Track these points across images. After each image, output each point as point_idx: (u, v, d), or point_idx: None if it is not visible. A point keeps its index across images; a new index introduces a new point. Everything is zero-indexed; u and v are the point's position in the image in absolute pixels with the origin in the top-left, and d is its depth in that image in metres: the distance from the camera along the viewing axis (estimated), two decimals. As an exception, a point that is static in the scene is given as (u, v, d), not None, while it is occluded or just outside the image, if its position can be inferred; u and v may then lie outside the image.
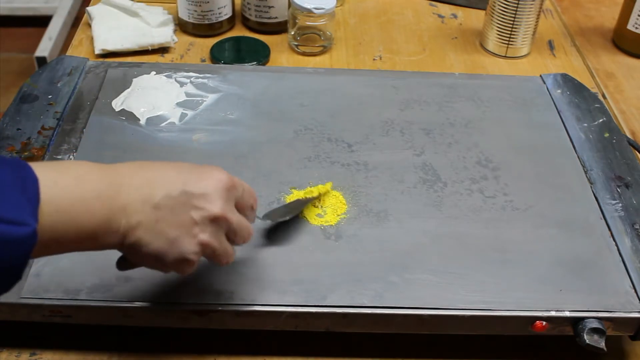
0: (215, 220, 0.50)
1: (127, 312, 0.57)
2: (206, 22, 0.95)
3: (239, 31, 0.99)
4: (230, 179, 0.51)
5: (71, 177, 0.46)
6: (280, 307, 0.57)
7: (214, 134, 0.73)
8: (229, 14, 0.97)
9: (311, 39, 0.94)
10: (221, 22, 0.96)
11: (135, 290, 0.57)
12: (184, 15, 0.95)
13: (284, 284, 0.58)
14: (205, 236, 0.49)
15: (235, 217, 0.51)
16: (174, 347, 0.60)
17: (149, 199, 0.48)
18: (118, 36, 0.91)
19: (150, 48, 0.92)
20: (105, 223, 0.47)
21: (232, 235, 0.52)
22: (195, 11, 0.94)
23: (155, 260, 0.49)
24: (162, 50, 0.94)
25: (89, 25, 0.96)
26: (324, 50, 0.94)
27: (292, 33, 0.94)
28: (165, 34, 0.93)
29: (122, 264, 0.53)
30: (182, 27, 0.97)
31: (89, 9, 0.97)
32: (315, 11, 0.90)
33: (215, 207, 0.49)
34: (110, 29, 0.93)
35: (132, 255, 0.50)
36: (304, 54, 0.94)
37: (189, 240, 0.49)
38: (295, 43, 0.94)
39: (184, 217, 0.49)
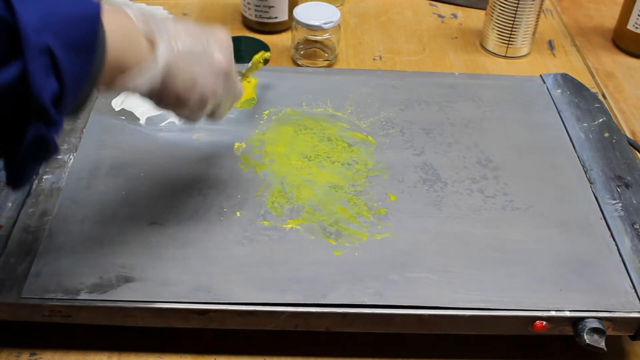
0: (225, 74, 0.58)
1: (127, 312, 0.57)
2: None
3: (238, 31, 0.99)
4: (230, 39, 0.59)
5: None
6: (280, 307, 0.57)
7: (214, 133, 0.73)
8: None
9: (315, 53, 0.93)
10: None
11: (135, 290, 0.57)
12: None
13: (284, 282, 0.58)
14: (219, 84, 0.57)
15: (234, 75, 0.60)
16: (174, 347, 0.60)
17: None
18: None
19: None
20: (146, 55, 0.51)
21: (228, 92, 0.60)
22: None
23: (178, 100, 0.55)
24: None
25: None
26: (330, 64, 0.93)
27: (295, 48, 0.93)
28: None
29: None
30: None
31: None
32: (316, 27, 0.89)
33: (226, 62, 0.57)
34: None
35: (159, 92, 0.54)
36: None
37: (206, 85, 0.56)
38: (298, 57, 0.93)
39: (202, 66, 0.56)
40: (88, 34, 0.44)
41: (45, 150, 0.46)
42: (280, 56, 0.94)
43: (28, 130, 0.43)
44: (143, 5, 0.96)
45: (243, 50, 0.94)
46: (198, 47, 0.55)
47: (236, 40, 0.96)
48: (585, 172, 0.72)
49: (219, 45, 0.57)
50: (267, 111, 0.77)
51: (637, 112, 0.89)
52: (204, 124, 0.74)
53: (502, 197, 0.68)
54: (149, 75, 0.51)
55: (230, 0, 1.04)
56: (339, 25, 0.91)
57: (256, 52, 0.93)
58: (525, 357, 0.62)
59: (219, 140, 0.73)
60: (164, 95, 0.54)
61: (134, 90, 0.51)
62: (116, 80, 0.50)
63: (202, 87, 0.55)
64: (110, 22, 0.47)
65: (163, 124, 0.75)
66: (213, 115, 0.62)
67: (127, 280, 0.58)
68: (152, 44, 0.51)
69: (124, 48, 0.49)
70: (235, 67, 0.60)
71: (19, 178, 0.47)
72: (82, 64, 0.44)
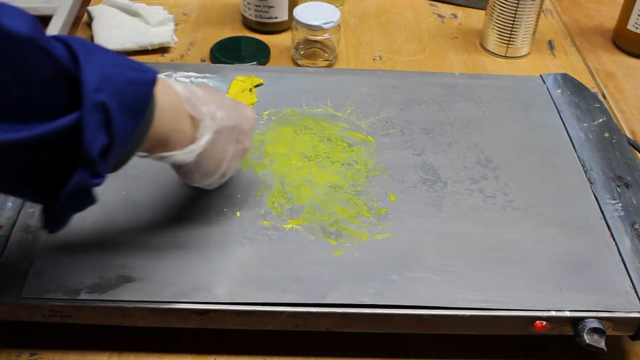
0: (245, 152, 0.63)
1: (127, 312, 0.57)
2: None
3: (238, 31, 0.99)
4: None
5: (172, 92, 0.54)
6: (280, 307, 0.57)
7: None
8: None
9: (315, 53, 0.93)
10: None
11: (135, 290, 0.57)
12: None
13: (284, 282, 0.58)
14: (239, 162, 0.63)
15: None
16: (174, 347, 0.60)
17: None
18: (118, 35, 0.91)
19: (150, 48, 0.92)
20: (187, 131, 0.55)
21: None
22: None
23: (204, 174, 0.59)
24: (162, 50, 0.94)
25: (89, 25, 0.96)
26: (330, 64, 0.93)
27: (295, 48, 0.93)
28: (164, 34, 0.93)
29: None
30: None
31: (89, 8, 0.97)
32: (316, 27, 0.89)
33: (249, 142, 0.62)
34: (111, 28, 0.93)
35: (188, 169, 0.57)
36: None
37: (231, 166, 0.61)
38: (298, 57, 0.93)
39: (230, 145, 0.60)
40: (142, 98, 0.49)
41: (85, 200, 0.49)
42: (280, 56, 0.94)
43: (72, 179, 0.46)
44: (144, 5, 0.97)
45: (243, 50, 0.94)
46: (231, 129, 0.59)
47: (236, 40, 0.96)
48: (585, 172, 0.72)
49: (246, 125, 0.61)
50: (267, 111, 0.77)
51: (637, 112, 0.89)
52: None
53: (502, 197, 0.68)
54: (186, 155, 0.55)
55: (230, 0, 1.04)
56: (339, 25, 0.91)
57: (256, 52, 0.93)
58: (525, 357, 0.62)
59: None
60: (190, 171, 0.58)
61: (167, 162, 0.55)
62: (155, 150, 0.53)
63: (227, 167, 0.60)
64: (161, 94, 0.51)
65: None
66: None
67: (127, 280, 0.58)
68: (194, 123, 0.55)
69: (169, 124, 0.53)
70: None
71: (55, 224, 0.50)
72: (131, 124, 0.48)
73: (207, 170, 0.59)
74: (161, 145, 0.53)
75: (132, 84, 0.48)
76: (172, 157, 0.54)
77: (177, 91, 0.54)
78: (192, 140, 0.55)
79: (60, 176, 0.46)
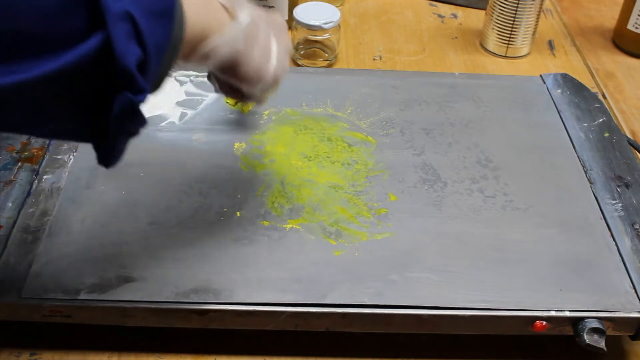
0: (288, 50, 0.60)
1: (127, 312, 0.57)
2: None
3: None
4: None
5: None
6: (280, 307, 0.57)
7: (213, 133, 0.73)
8: None
9: (315, 53, 0.93)
10: None
11: (135, 290, 0.57)
12: None
13: (284, 282, 0.58)
14: (286, 61, 0.59)
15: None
16: (174, 347, 0.60)
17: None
18: None
19: None
20: (224, 19, 0.51)
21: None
22: None
23: (257, 69, 0.55)
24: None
25: None
26: (330, 64, 0.93)
27: (295, 48, 0.93)
28: None
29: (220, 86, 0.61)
30: None
31: None
32: (316, 27, 0.88)
33: (287, 40, 0.60)
34: None
35: (238, 60, 0.54)
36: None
37: (281, 60, 0.58)
38: (298, 57, 0.93)
39: (272, 37, 0.57)
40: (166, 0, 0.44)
41: (135, 121, 0.46)
42: (280, 56, 0.94)
43: (116, 101, 0.43)
44: None
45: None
46: (266, 22, 0.56)
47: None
48: (585, 172, 0.72)
49: (279, 22, 0.59)
50: (267, 111, 0.77)
51: (637, 112, 0.89)
52: (204, 124, 0.75)
53: (502, 197, 0.68)
54: (230, 37, 0.51)
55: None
56: (339, 25, 0.91)
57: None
58: (525, 357, 0.62)
59: (219, 140, 0.73)
60: (243, 64, 0.54)
61: (214, 57, 0.51)
62: (197, 49, 0.49)
63: (276, 61, 0.57)
64: None
65: (163, 124, 0.75)
66: (259, 99, 0.61)
67: (127, 280, 0.58)
68: (230, 13, 0.52)
69: (203, 15, 0.49)
70: None
71: (111, 155, 0.47)
72: (162, 29, 0.44)
73: (259, 62, 0.55)
74: (199, 43, 0.49)
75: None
76: (217, 47, 0.50)
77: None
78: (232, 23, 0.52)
79: (104, 104, 0.43)
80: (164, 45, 0.45)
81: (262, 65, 0.55)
